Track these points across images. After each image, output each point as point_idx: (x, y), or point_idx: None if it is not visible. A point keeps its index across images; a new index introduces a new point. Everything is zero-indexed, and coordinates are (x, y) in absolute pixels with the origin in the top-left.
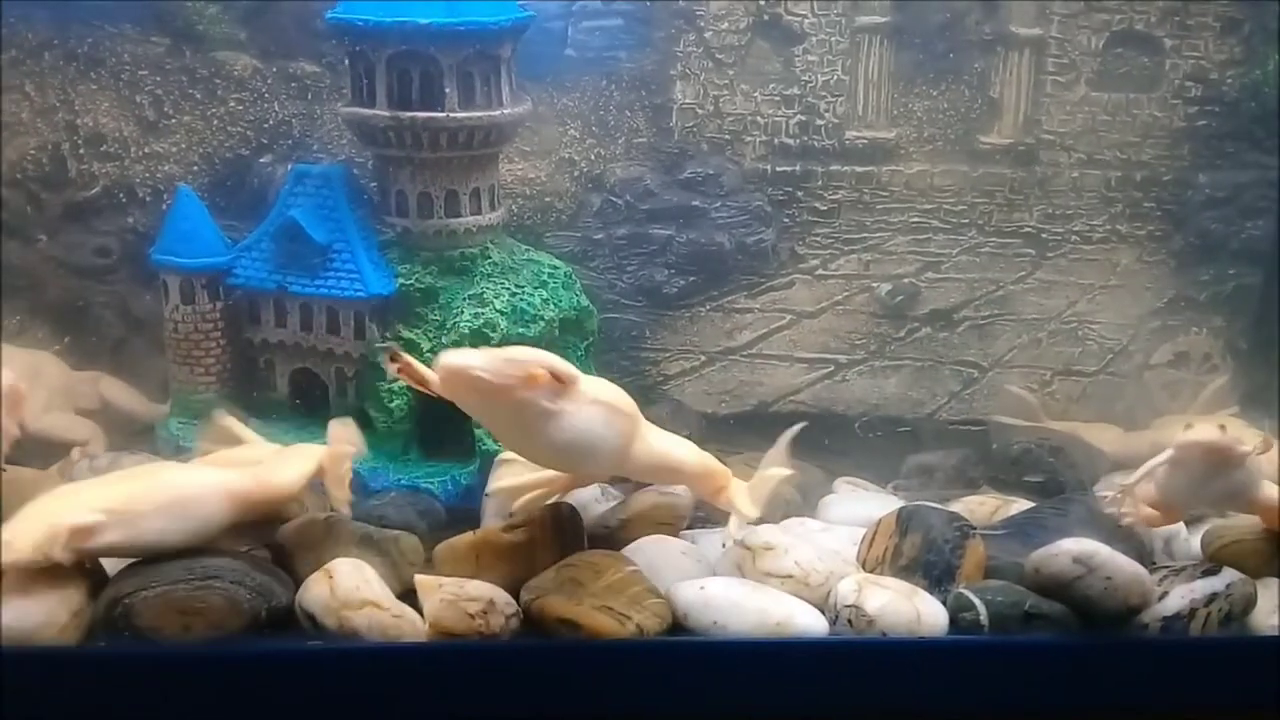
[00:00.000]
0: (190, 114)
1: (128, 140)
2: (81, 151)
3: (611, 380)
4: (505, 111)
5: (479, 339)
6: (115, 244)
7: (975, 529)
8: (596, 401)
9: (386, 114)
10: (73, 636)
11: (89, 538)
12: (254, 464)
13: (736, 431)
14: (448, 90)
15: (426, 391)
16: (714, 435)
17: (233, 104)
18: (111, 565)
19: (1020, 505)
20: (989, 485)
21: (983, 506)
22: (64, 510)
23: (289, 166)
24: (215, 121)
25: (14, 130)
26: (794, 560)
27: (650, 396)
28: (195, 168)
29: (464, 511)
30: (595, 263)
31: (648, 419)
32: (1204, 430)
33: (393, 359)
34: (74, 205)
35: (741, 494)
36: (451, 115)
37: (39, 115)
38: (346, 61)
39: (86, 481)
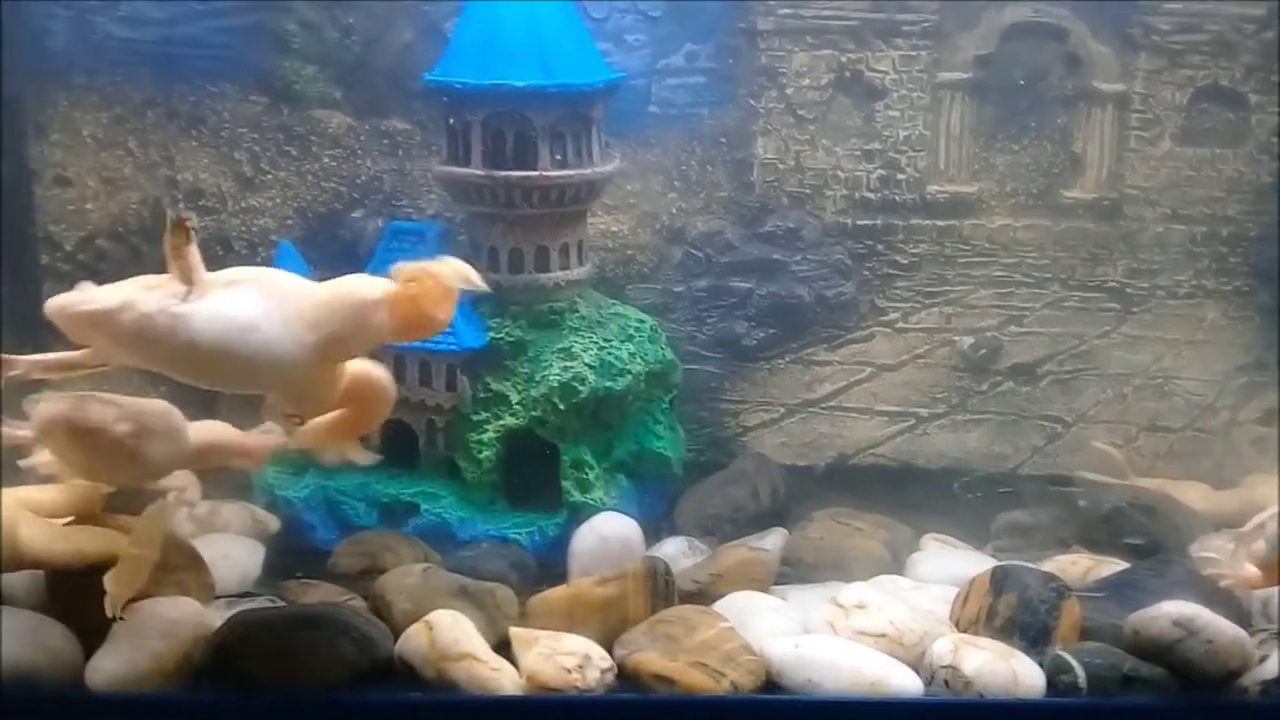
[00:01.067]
0: (286, 170)
1: (225, 195)
2: (181, 205)
3: (689, 433)
4: (595, 169)
5: (568, 392)
6: None
7: (1071, 590)
8: (233, 283)
9: (481, 173)
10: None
11: None
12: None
13: (815, 484)
14: (541, 150)
15: (85, 369)
16: (794, 488)
17: (326, 160)
18: (219, 614)
19: (1113, 565)
20: (1079, 544)
21: (1075, 566)
22: None
23: (379, 220)
24: (309, 177)
25: (117, 185)
26: (888, 619)
27: (729, 448)
28: (289, 221)
29: (551, 563)
30: (675, 315)
31: (735, 468)
32: None
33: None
34: None
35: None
36: (544, 174)
37: (141, 170)
38: (444, 121)
39: None
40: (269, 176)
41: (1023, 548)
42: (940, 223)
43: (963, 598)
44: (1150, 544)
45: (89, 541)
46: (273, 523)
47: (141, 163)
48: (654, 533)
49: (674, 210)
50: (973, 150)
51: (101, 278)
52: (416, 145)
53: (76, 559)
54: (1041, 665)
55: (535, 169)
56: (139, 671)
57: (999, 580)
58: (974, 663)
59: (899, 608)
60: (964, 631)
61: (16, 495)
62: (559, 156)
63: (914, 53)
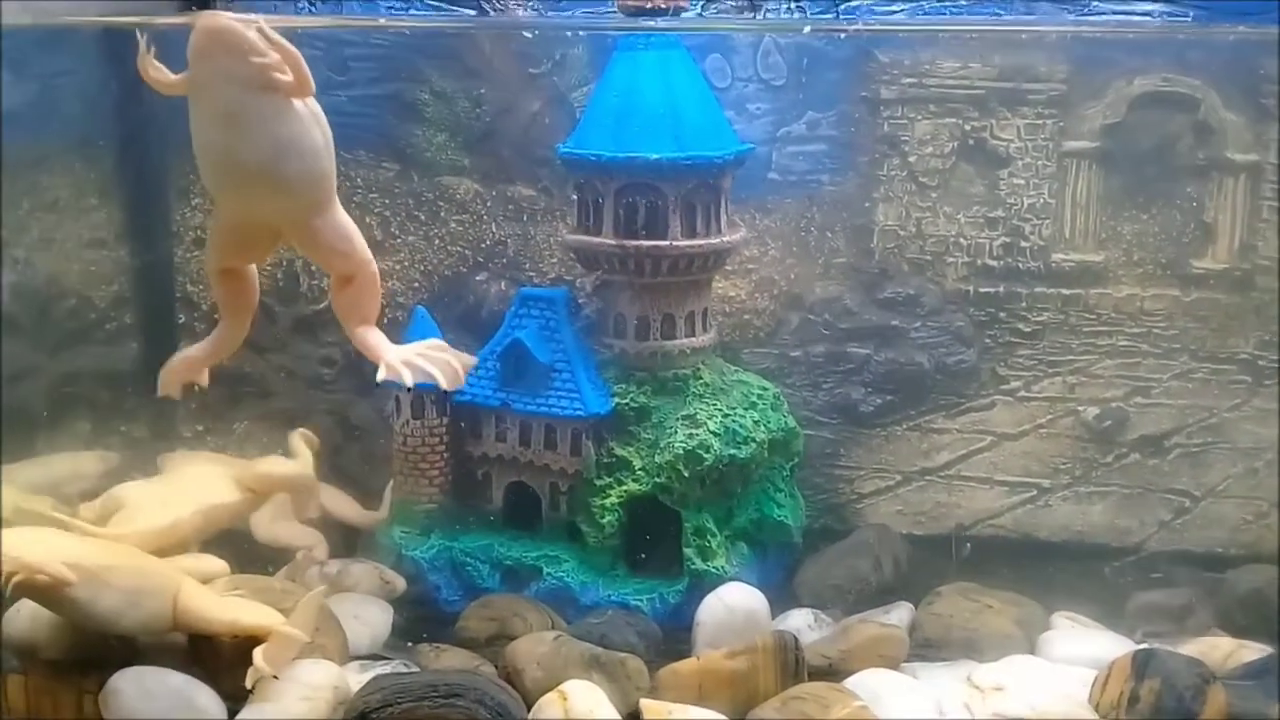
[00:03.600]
0: (414, 234)
1: None
2: (313, 268)
3: (806, 499)
4: (724, 239)
5: (693, 459)
6: (339, 355)
7: (1216, 676)
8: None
9: (612, 242)
10: None
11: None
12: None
13: (930, 554)
14: (671, 220)
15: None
16: (913, 557)
17: (454, 225)
18: (354, 678)
19: (1256, 649)
20: (1219, 627)
21: (1216, 650)
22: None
23: (503, 284)
24: (436, 241)
25: None
26: (1027, 702)
27: (843, 515)
28: (415, 284)
29: (671, 631)
30: (791, 380)
31: (856, 539)
32: None
33: None
34: (303, 319)
35: None
36: (674, 243)
37: None
38: (575, 190)
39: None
40: (398, 240)
41: (1170, 632)
42: (1065, 291)
43: (1102, 681)
44: None
45: (247, 613)
46: (400, 583)
47: None
48: (775, 602)
49: (791, 275)
50: (1099, 219)
51: None
52: (540, 211)
53: (232, 629)
54: None
55: (666, 238)
56: None
57: (1141, 664)
58: None
59: (1038, 690)
60: (1104, 716)
61: (179, 563)
62: (690, 226)
63: (1040, 121)
